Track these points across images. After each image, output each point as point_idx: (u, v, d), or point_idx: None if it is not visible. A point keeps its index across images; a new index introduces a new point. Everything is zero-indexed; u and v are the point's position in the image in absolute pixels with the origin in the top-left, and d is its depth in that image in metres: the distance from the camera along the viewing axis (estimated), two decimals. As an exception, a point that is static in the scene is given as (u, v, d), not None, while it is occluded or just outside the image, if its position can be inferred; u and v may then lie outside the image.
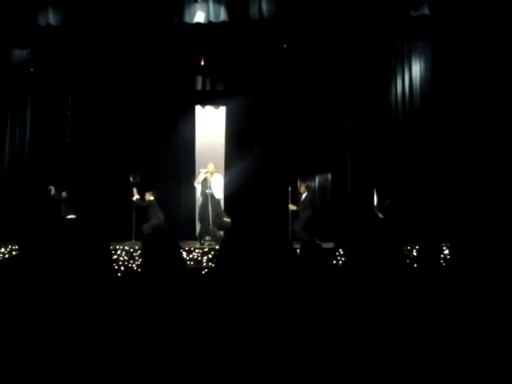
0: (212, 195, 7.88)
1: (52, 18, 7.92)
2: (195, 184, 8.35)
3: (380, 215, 8.02)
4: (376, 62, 8.72)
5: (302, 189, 8.54)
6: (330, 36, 8.32)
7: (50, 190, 8.27)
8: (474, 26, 7.87)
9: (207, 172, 7.94)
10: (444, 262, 4.19)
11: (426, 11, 7.78)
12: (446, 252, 5.43)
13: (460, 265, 2.44)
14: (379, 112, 8.74)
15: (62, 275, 2.15)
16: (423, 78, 8.70)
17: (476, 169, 7.92)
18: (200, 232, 8.16)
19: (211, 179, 7.95)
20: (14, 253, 6.74)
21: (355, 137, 8.76)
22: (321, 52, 8.66)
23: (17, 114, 9.13)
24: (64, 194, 8.25)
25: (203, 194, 7.98)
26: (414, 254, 6.21)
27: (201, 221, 8.14)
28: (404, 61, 8.81)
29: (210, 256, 6.73)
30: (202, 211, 8.07)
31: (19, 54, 9.06)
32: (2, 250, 6.81)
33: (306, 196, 8.46)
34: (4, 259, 5.34)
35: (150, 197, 8.30)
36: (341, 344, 1.81)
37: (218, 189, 8.01)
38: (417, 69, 8.74)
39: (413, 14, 7.81)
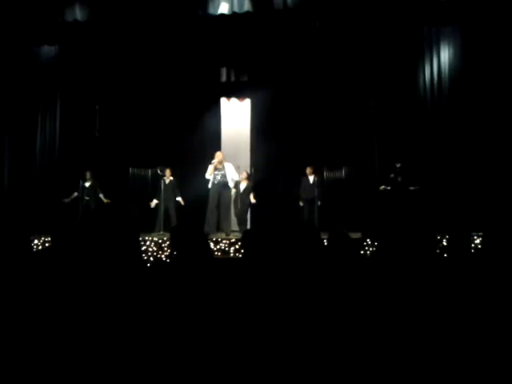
0: (227, 184, 7.87)
1: (79, 13, 8.05)
2: (207, 176, 7.94)
3: (398, 179, 7.93)
4: (404, 48, 8.56)
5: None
6: (356, 23, 8.19)
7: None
8: (504, 10, 7.63)
9: (216, 162, 7.78)
10: (475, 251, 4.11)
11: (455, -5, 7.60)
12: (477, 241, 5.33)
13: (491, 254, 2.40)
14: (407, 99, 8.59)
15: (93, 266, 2.20)
16: (452, 64, 8.48)
17: (507, 157, 7.71)
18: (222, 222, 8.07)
19: (225, 168, 7.87)
20: (47, 244, 6.92)
21: (382, 125, 8.64)
22: (346, 40, 8.54)
23: (47, 109, 9.34)
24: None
25: (218, 183, 7.83)
26: (444, 243, 6.11)
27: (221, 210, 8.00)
28: (432, 47, 8.62)
29: (237, 247, 6.78)
30: (223, 200, 7.94)
31: (48, 50, 9.25)
32: (36, 241, 7.00)
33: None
34: (38, 250, 5.49)
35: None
36: (370, 334, 1.80)
37: (231, 177, 7.93)
38: (445, 54, 8.53)
39: (441, -2, 7.64)
